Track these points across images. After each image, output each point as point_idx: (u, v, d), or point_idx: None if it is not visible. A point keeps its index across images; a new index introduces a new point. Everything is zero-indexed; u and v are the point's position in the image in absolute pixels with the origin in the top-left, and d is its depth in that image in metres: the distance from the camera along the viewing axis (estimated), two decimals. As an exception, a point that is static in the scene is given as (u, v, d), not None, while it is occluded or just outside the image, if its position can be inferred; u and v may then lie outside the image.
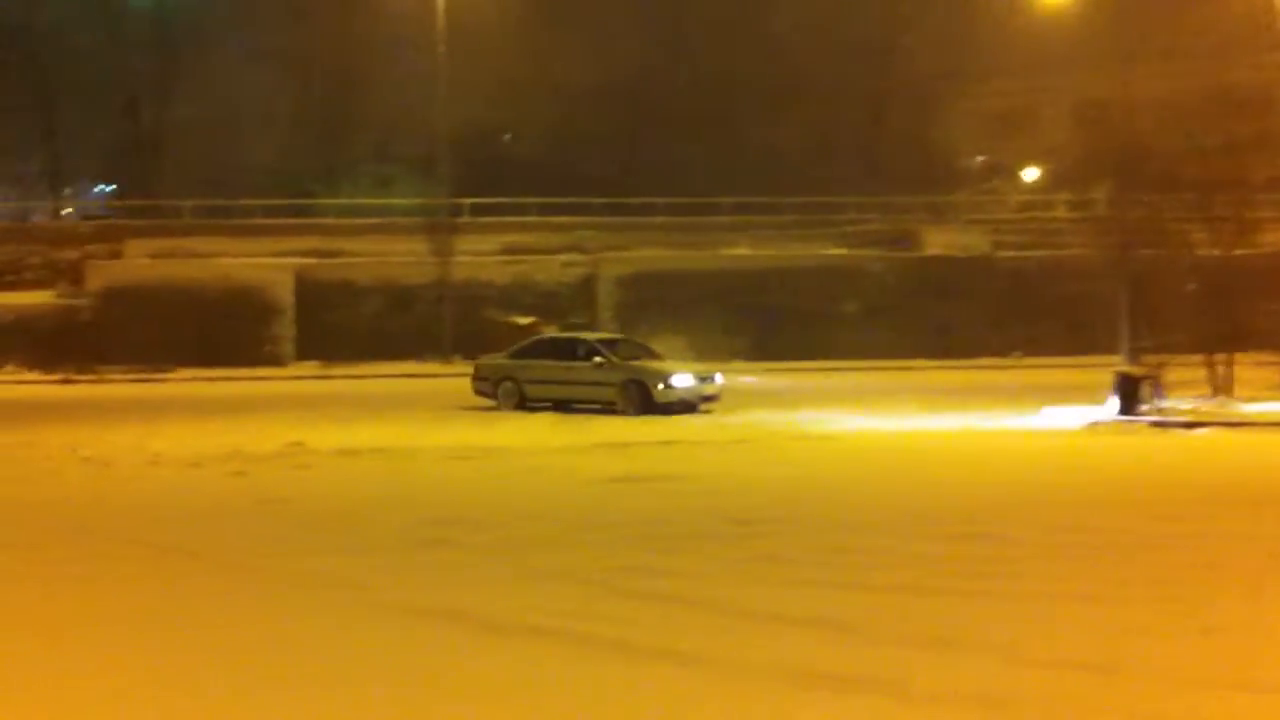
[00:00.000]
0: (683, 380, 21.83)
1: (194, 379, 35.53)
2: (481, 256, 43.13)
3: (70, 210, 54.57)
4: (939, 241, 44.80)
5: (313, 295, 41.15)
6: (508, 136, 53.34)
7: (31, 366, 38.21)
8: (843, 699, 5.39)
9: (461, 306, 40.90)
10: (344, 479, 13.70)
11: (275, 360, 39.60)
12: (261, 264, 41.38)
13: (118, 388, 33.38)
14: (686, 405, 21.58)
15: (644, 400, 21.40)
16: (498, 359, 24.89)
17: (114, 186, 56.03)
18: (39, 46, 49.44)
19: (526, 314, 41.01)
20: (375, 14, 47.29)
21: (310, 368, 38.45)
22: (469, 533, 9.80)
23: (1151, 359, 19.80)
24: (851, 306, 42.39)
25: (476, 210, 44.76)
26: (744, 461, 15.04)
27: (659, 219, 45.75)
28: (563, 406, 22.62)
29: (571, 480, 13.18)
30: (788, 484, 12.67)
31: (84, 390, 32.76)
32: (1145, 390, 19.04)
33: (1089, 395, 20.11)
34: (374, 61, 49.13)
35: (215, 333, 39.04)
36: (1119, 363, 20.30)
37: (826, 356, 38.37)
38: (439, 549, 9.14)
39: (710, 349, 39.20)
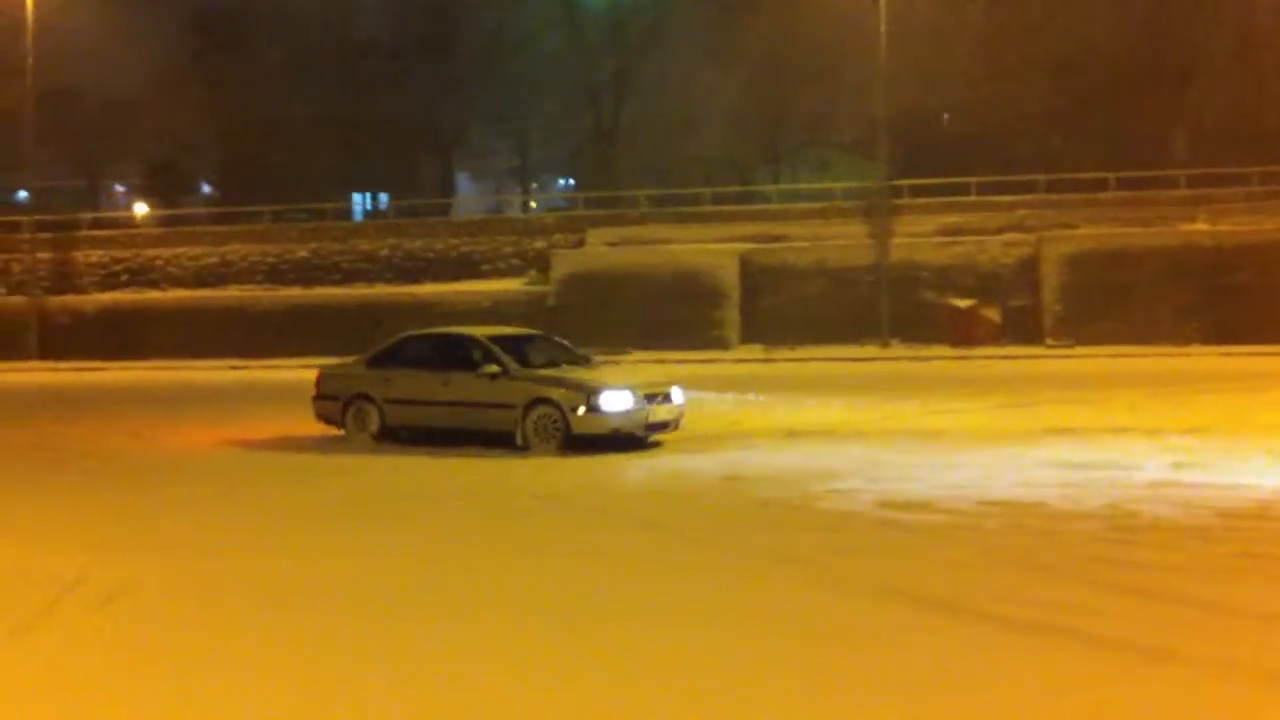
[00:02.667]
0: (617, 400, 14.78)
1: (647, 361, 37.57)
2: (919, 238, 42.92)
3: (536, 204, 59.40)
4: None
5: (756, 279, 42.58)
6: (946, 116, 52.80)
7: (504, 348, 41.93)
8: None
9: (899, 289, 40.91)
10: (788, 458, 14.14)
11: (721, 343, 41.26)
12: (708, 249, 43.24)
13: (579, 368, 35.98)
14: (625, 438, 15.00)
15: (561, 429, 14.87)
16: (347, 367, 17.65)
17: (574, 180, 60.46)
18: (511, 55, 54.27)
19: (966, 296, 40.56)
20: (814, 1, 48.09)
21: (754, 351, 39.80)
22: (920, 513, 10.12)
23: None
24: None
25: (914, 191, 44.62)
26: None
27: (1106, 194, 43.74)
28: (443, 438, 15.91)
29: (1018, 465, 12.89)
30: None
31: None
32: None
33: None
34: (812, 47, 49.94)
35: (666, 317, 41.20)
36: None
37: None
38: (889, 530, 9.52)
39: (1163, 332, 37.28)
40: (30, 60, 47.26)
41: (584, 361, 16.77)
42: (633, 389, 15.14)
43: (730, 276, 42.63)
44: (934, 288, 41.44)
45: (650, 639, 6.59)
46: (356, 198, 59.92)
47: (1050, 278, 41.04)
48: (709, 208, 47.06)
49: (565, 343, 17.81)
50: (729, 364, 36.61)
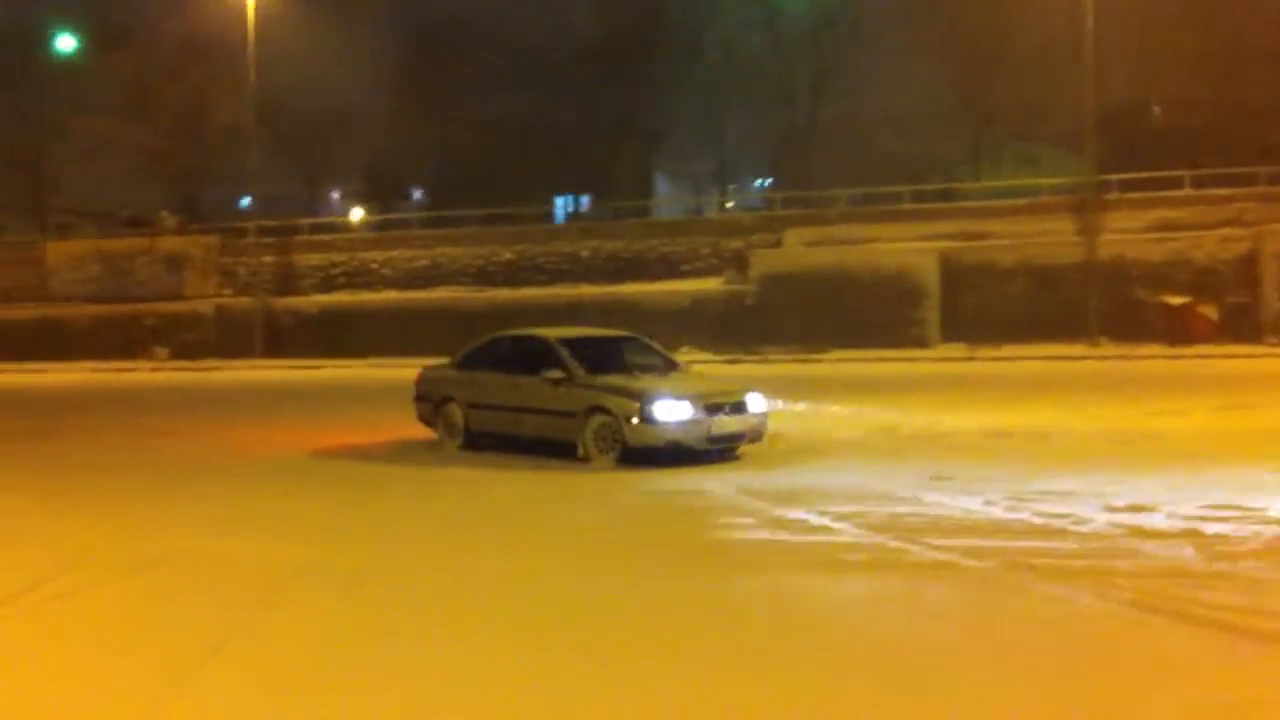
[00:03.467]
0: (672, 410, 13.70)
1: (845, 360, 37.72)
2: (1129, 234, 41.65)
3: (733, 204, 59.80)
4: None
5: (956, 278, 41.98)
6: (1158, 109, 50.99)
7: (703, 347, 42.35)
8: None
9: (1108, 286, 39.76)
10: (991, 459, 13.92)
11: (920, 342, 40.87)
12: (907, 248, 42.85)
13: (778, 368, 36.11)
14: (683, 451, 13.80)
15: (620, 441, 13.91)
16: (441, 368, 16.98)
17: (772, 180, 60.64)
18: (711, 58, 54.88)
19: (1180, 293, 39.15)
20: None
21: (954, 350, 39.29)
22: (1147, 517, 9.89)
23: None
24: None
25: (1124, 186, 43.27)
26: None
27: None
28: (527, 447, 15.11)
29: (1245, 469, 12.38)
30: None
31: (748, 369, 35.63)
32: None
33: None
34: (1018, 39, 48.89)
35: (864, 315, 41.04)
36: None
37: None
38: (1118, 537, 9.30)
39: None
40: (252, 74, 49.95)
41: (667, 368, 15.62)
42: (692, 398, 13.93)
43: (930, 275, 42.16)
44: (1146, 285, 40.09)
45: (905, 641, 6.79)
46: (558, 200, 61.36)
47: (1270, 274, 39.32)
48: (909, 206, 46.61)
49: (657, 347, 16.55)
50: (928, 363, 36.26)
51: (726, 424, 14.13)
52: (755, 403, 14.63)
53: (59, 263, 55.41)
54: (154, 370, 45.76)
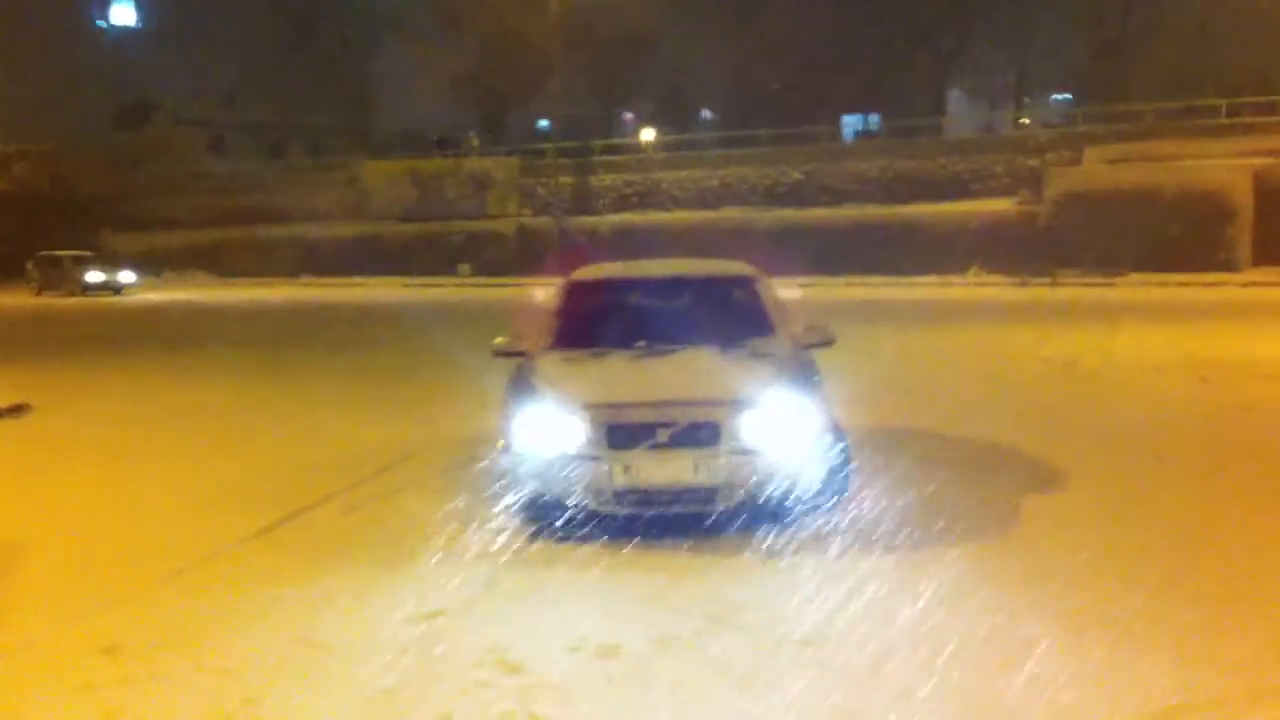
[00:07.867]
0: (534, 433, 7.13)
1: (1145, 284, 36.19)
2: None
3: (1028, 120, 57.68)
4: None
5: (1272, 197, 39.37)
6: None
7: (992, 270, 41.47)
8: None
9: None
10: None
11: (1229, 266, 38.63)
12: (1218, 165, 40.37)
13: (1071, 291, 34.87)
14: (558, 511, 7.23)
15: None
16: None
17: (1071, 95, 58.12)
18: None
19: None
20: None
21: (1267, 274, 37.05)
22: None
23: None
24: None
25: None
26: None
27: None
28: None
29: None
30: None
31: (1038, 293, 34.54)
32: None
33: None
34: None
35: (1167, 237, 39.09)
36: None
37: None
38: None
39: None
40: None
41: (739, 340, 8.06)
42: (594, 407, 7.07)
43: (1242, 194, 39.62)
44: None
45: None
46: (847, 119, 60.76)
47: None
48: (1225, 120, 43.84)
49: (762, 296, 9.03)
50: (1236, 288, 34.27)
51: (647, 471, 6.95)
52: (757, 429, 6.99)
53: (375, 183, 58.94)
54: (458, 285, 48.36)
